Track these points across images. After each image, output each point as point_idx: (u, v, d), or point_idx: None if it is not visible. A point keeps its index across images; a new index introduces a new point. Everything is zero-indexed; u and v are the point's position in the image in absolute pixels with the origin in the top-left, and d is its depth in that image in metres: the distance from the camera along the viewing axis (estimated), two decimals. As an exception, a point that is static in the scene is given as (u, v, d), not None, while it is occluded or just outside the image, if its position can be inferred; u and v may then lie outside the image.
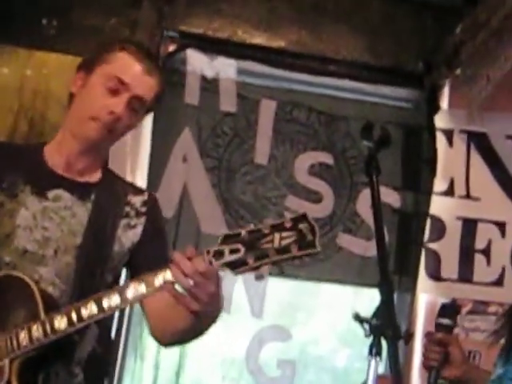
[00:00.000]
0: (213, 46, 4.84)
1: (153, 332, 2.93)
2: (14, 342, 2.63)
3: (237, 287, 4.82)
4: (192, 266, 2.40)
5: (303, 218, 2.39)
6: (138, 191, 3.11)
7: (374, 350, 2.20)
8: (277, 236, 2.36)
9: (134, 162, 4.71)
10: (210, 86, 4.81)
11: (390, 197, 4.75)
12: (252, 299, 4.82)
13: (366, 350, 2.22)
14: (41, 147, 3.03)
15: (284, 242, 2.34)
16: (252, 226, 2.40)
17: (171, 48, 4.76)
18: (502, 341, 3.13)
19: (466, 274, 4.53)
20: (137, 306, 4.73)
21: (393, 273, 4.40)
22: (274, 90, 4.94)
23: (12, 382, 2.62)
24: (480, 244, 4.60)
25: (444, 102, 4.90)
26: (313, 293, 5.19)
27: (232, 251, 2.38)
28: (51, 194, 2.90)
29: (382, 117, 4.64)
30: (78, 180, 2.95)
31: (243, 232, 2.41)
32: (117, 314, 4.50)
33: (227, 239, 2.39)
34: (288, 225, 2.37)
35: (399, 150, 4.88)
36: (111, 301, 2.55)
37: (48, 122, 4.67)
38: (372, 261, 4.48)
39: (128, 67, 2.88)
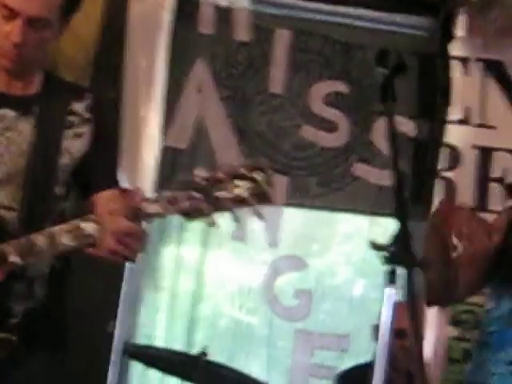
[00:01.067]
0: None
1: None
2: None
3: (252, 217, 4.88)
4: (117, 227, 2.44)
5: (260, 168, 2.38)
6: (81, 95, 2.97)
7: (392, 278, 2.20)
8: (233, 185, 2.37)
9: (148, 93, 4.75)
10: (223, 15, 4.82)
11: (405, 126, 4.74)
12: (267, 229, 4.86)
13: (381, 280, 2.20)
14: None
15: (239, 192, 2.35)
16: (208, 174, 2.39)
17: None
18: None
19: (480, 203, 4.53)
20: (154, 235, 4.90)
21: (408, 201, 4.33)
22: (289, 19, 4.97)
23: None
24: (495, 172, 4.65)
25: (460, 30, 4.87)
26: (328, 223, 5.21)
27: (188, 198, 2.37)
28: None
29: (397, 45, 4.61)
30: (18, 94, 2.90)
31: (200, 177, 2.38)
32: None
33: (183, 185, 2.41)
34: (246, 172, 2.37)
35: (414, 79, 4.88)
36: (84, 227, 2.53)
37: (62, 53, 4.52)
38: (387, 190, 4.42)
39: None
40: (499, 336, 2.96)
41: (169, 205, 2.35)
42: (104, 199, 2.71)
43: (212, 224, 2.36)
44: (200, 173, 2.35)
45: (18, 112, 2.79)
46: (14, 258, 2.50)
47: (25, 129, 2.80)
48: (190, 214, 2.34)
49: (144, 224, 2.50)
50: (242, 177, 2.31)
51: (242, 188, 2.32)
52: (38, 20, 2.69)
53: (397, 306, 2.52)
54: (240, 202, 2.29)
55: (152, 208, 2.41)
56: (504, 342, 2.94)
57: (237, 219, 2.38)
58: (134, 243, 2.47)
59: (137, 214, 2.44)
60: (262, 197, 2.31)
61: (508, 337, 2.94)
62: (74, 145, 2.81)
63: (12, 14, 2.66)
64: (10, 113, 2.79)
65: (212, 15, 4.87)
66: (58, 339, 2.84)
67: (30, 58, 2.79)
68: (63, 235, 2.51)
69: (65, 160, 2.78)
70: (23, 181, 2.78)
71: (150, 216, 2.43)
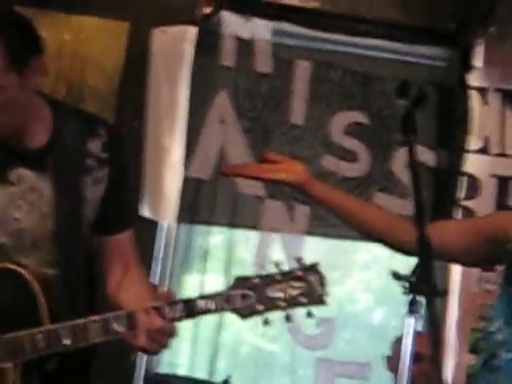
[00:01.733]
0: (247, 8, 4.88)
1: None
2: (18, 346, 2.59)
3: (274, 246, 4.94)
4: (148, 324, 2.41)
5: (314, 268, 2.46)
6: (95, 131, 2.89)
7: (413, 308, 2.20)
8: (287, 285, 2.42)
9: (171, 124, 4.72)
10: (245, 47, 4.84)
11: (425, 155, 4.73)
12: (289, 258, 4.63)
13: (401, 308, 2.20)
14: None
15: (294, 293, 2.40)
16: (263, 273, 2.45)
17: (207, 10, 4.79)
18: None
19: (500, 231, 4.47)
20: (177, 264, 4.99)
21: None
22: (309, 51, 4.98)
23: None
24: (515, 201, 4.63)
25: (478, 61, 4.87)
26: (349, 251, 5.21)
27: (243, 297, 2.42)
28: (13, 175, 2.78)
29: (416, 76, 4.64)
30: (31, 147, 2.81)
31: (253, 277, 2.43)
32: (160, 257, 4.81)
33: (239, 282, 2.43)
34: (299, 274, 2.42)
35: (433, 109, 4.86)
36: (115, 327, 2.50)
37: (86, 85, 4.77)
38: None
39: None
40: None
41: (224, 303, 2.38)
42: (136, 293, 2.68)
43: (267, 323, 2.39)
44: (259, 273, 2.42)
45: (34, 171, 2.76)
46: (66, 341, 2.51)
47: (44, 189, 2.76)
48: (242, 312, 2.38)
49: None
50: (298, 278, 2.38)
51: (296, 289, 2.38)
52: None
53: (418, 337, 2.51)
54: (293, 302, 2.35)
55: (208, 304, 2.42)
56: None
57: (289, 319, 2.42)
58: (165, 340, 2.48)
59: (172, 314, 2.44)
60: (314, 297, 2.37)
61: None
62: (94, 192, 2.80)
63: None
64: (25, 172, 2.75)
65: (233, 47, 4.87)
66: (85, 371, 2.87)
67: (4, 121, 2.70)
68: (94, 327, 2.50)
69: (87, 211, 2.79)
70: (51, 245, 2.80)
71: (204, 313, 2.44)
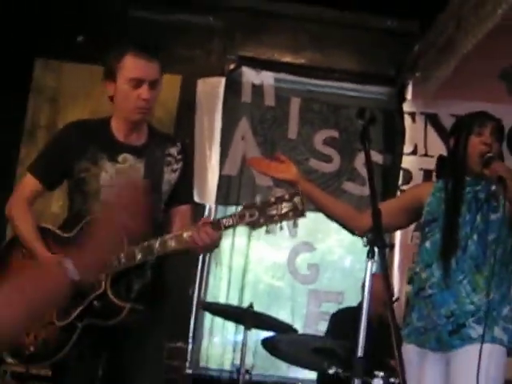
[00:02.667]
0: (258, 64, 5.60)
1: None
2: (106, 263, 2.88)
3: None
4: (204, 235, 2.77)
5: (298, 194, 2.76)
6: (174, 143, 3.26)
7: (370, 255, 2.52)
8: (279, 206, 2.72)
9: (210, 141, 5.43)
10: (257, 90, 5.57)
11: (376, 157, 5.34)
12: (289, 223, 4.98)
13: (363, 256, 2.53)
14: (107, 121, 3.21)
15: (284, 210, 2.72)
16: (263, 199, 2.77)
17: (232, 66, 5.58)
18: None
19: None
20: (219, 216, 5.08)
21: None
22: (299, 91, 5.65)
23: (107, 291, 2.95)
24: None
25: (409, 95, 5.58)
26: (327, 220, 4.99)
27: (250, 215, 2.74)
28: (120, 157, 3.13)
29: (369, 105, 5.13)
30: (134, 144, 3.15)
31: (258, 203, 2.77)
32: None
33: (247, 206, 2.79)
34: (287, 198, 2.73)
35: (381, 127, 5.47)
36: (170, 241, 2.89)
37: (154, 117, 4.66)
38: (365, 199, 5.00)
39: (136, 66, 3.01)
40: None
41: (238, 219, 2.77)
42: (187, 215, 3.07)
43: (268, 232, 2.76)
44: (259, 198, 2.78)
45: (135, 156, 3.12)
46: (139, 256, 2.90)
47: (139, 169, 3.12)
48: (251, 226, 2.75)
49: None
50: (286, 200, 2.72)
51: (285, 208, 2.72)
52: (154, 81, 3.02)
53: (374, 276, 2.80)
54: (284, 216, 2.73)
55: (229, 221, 2.81)
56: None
57: (281, 228, 2.79)
58: (215, 243, 2.89)
59: (218, 226, 2.80)
60: (298, 213, 2.73)
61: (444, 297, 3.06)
62: (172, 177, 3.15)
63: (139, 82, 2.98)
64: (129, 157, 3.12)
65: (250, 90, 5.56)
66: (161, 303, 3.20)
67: (150, 110, 3.14)
68: (171, 240, 2.88)
69: (165, 187, 3.13)
70: None
71: (228, 227, 2.81)
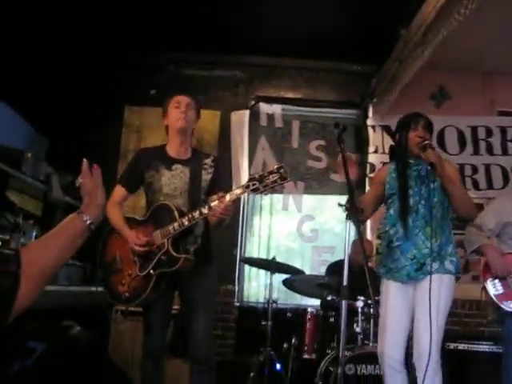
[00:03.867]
0: (271, 100, 5.96)
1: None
2: (166, 231, 3.03)
3: (289, 200, 5.82)
4: (222, 205, 2.81)
5: (282, 167, 2.72)
6: (208, 156, 3.33)
7: (348, 221, 2.73)
8: (271, 176, 2.72)
9: (242, 153, 5.72)
10: (270, 116, 5.92)
11: (351, 155, 5.73)
12: (296, 204, 5.88)
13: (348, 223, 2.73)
14: (164, 146, 3.30)
15: (274, 179, 2.71)
16: (260, 172, 2.75)
17: (253, 103, 5.94)
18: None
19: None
20: (250, 201, 5.52)
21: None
22: (298, 116, 5.99)
23: (169, 249, 3.04)
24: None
25: (370, 114, 5.83)
26: (323, 200, 5.93)
27: (253, 184, 2.74)
28: (173, 167, 3.23)
29: (343, 122, 4.49)
30: (182, 158, 3.23)
31: (257, 175, 2.74)
32: (241, 207, 5.58)
33: (251, 179, 2.75)
34: (275, 170, 2.72)
35: (353, 136, 5.84)
36: (204, 209, 2.95)
37: (204, 140, 5.80)
38: (345, 184, 4.06)
39: (177, 97, 3.23)
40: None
41: (245, 189, 2.76)
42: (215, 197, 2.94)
43: (266, 193, 2.74)
44: (257, 173, 2.78)
45: (183, 165, 3.23)
46: (185, 222, 3.00)
47: (186, 173, 3.23)
48: (254, 191, 2.73)
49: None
50: (274, 172, 2.71)
51: (275, 177, 2.69)
52: (189, 104, 3.21)
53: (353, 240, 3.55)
54: (275, 182, 2.69)
55: (238, 191, 2.82)
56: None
57: (274, 191, 3.00)
58: (230, 212, 2.92)
59: (231, 206, 2.84)
60: (283, 179, 2.71)
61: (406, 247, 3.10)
62: (208, 177, 3.26)
63: (179, 104, 3.22)
64: (179, 166, 3.24)
65: (265, 117, 5.94)
66: (210, 259, 3.33)
67: (189, 127, 3.23)
68: (203, 208, 2.94)
69: (204, 184, 3.24)
70: (187, 195, 3.21)
71: (238, 195, 2.83)
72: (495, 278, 3.42)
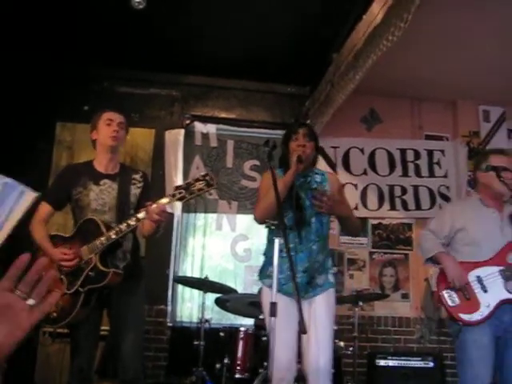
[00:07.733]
0: (206, 119, 5.88)
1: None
2: (94, 246, 3.02)
3: (223, 220, 5.71)
4: (156, 210, 2.80)
5: (208, 174, 2.79)
6: (137, 172, 3.36)
7: (276, 234, 2.64)
8: (197, 184, 2.75)
9: (175, 171, 5.56)
10: (205, 136, 5.83)
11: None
12: (230, 223, 5.80)
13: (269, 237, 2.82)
14: (91, 162, 3.31)
15: (200, 186, 2.74)
16: (187, 181, 2.78)
17: (188, 122, 5.82)
18: None
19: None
20: (184, 220, 5.36)
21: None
22: (232, 135, 5.93)
23: (97, 264, 3.02)
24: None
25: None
26: (251, 219, 4.48)
27: (179, 193, 2.77)
28: (102, 182, 3.23)
29: (277, 142, 3.58)
30: (110, 173, 3.25)
31: (183, 184, 2.78)
32: (175, 226, 5.43)
33: (177, 187, 2.78)
34: (201, 178, 2.76)
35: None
36: (131, 221, 2.96)
37: (138, 157, 5.70)
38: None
39: (109, 114, 3.24)
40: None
41: (172, 197, 2.79)
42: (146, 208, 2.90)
43: (187, 203, 2.87)
44: (183, 183, 2.83)
45: (111, 180, 3.24)
46: (113, 236, 3.00)
47: (114, 187, 3.23)
48: (181, 199, 2.77)
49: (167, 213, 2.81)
50: (201, 180, 2.77)
51: (201, 184, 2.73)
52: (121, 123, 3.25)
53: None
54: (201, 190, 2.74)
55: (165, 200, 2.85)
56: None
57: (201, 197, 2.83)
58: (165, 217, 2.90)
59: (163, 210, 2.85)
60: (211, 186, 2.77)
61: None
62: (137, 192, 3.29)
63: (111, 122, 3.22)
64: (108, 181, 3.25)
65: (200, 136, 5.84)
66: (141, 276, 3.31)
67: (120, 145, 3.27)
68: (131, 220, 2.94)
69: (133, 198, 3.26)
70: (116, 210, 3.20)
71: (165, 204, 2.82)
72: (451, 288, 3.33)
